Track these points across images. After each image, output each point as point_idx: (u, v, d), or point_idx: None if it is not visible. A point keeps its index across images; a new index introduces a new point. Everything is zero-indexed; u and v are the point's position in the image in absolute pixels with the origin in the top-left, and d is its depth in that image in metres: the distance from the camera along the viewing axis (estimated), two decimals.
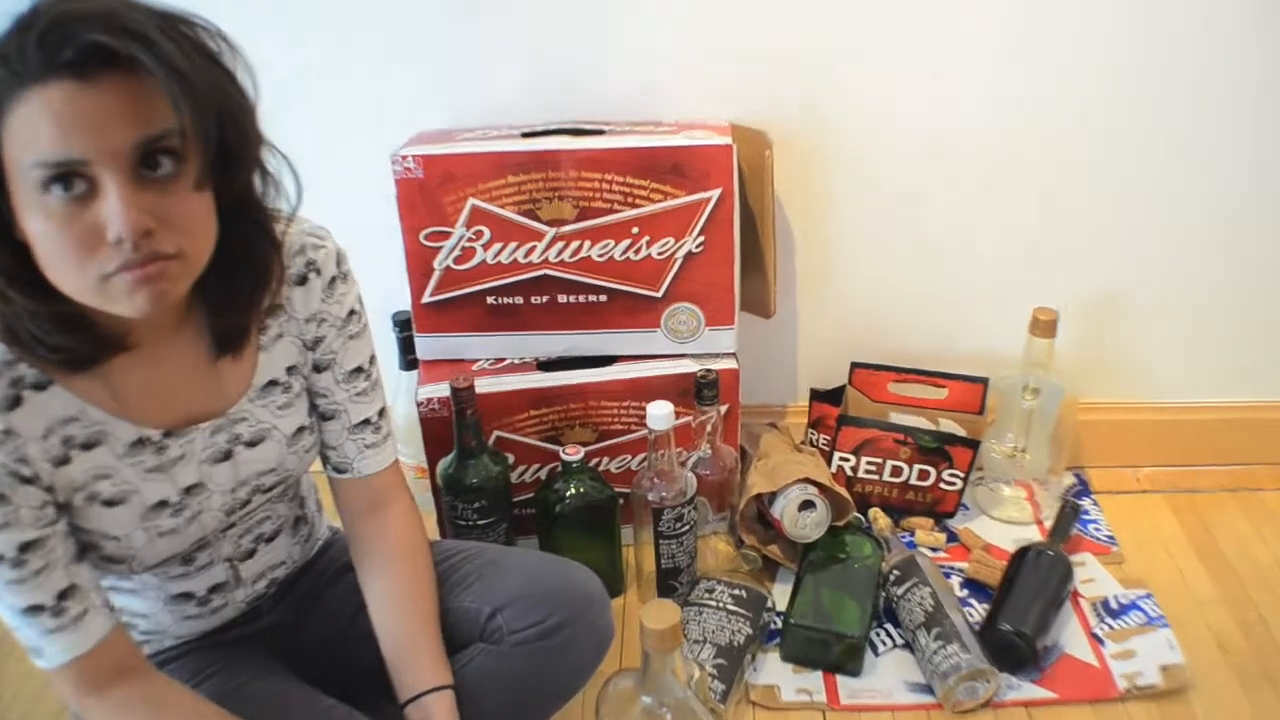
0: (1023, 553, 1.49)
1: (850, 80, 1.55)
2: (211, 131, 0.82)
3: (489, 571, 1.18)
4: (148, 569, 1.03)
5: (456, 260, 1.44)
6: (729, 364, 1.50)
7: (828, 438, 1.71)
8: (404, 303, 1.51)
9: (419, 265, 1.45)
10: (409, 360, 1.60)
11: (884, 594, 1.50)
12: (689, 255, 1.45)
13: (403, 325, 1.57)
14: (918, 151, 1.61)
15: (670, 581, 1.48)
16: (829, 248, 1.70)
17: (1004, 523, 1.68)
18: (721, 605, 1.42)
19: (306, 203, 0.98)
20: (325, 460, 1.15)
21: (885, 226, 1.68)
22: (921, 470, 1.64)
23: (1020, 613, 1.39)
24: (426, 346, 1.51)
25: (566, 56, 1.51)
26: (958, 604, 1.43)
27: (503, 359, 1.53)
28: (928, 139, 1.60)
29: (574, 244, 1.43)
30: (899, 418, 1.69)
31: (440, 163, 1.39)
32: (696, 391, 1.44)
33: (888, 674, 1.40)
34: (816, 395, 1.75)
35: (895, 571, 1.48)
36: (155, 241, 0.83)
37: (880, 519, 1.63)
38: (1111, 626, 1.46)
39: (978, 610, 1.49)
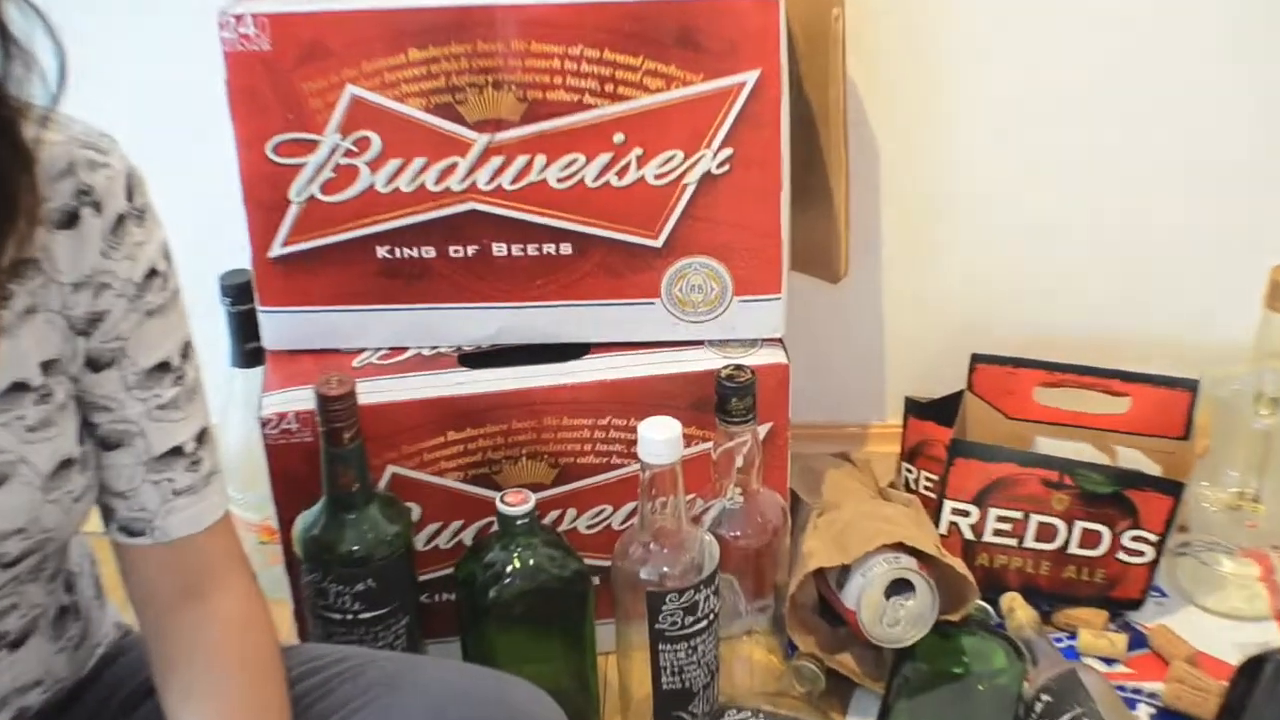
0: (1255, 667, 1.48)
1: None
2: None
3: (379, 696, 1.18)
4: None
5: (327, 187, 1.44)
6: (773, 357, 1.51)
7: (934, 476, 1.71)
8: (239, 258, 1.51)
9: (265, 196, 1.44)
10: (247, 351, 1.60)
11: None
12: (707, 179, 1.45)
13: (237, 294, 1.57)
14: (1081, 21, 1.61)
15: (677, 712, 1.48)
16: (937, 172, 1.70)
17: (1223, 617, 1.68)
18: None
19: (76, 94, 0.97)
20: (109, 515, 1.15)
21: (1029, 139, 1.68)
22: (1088, 531, 1.64)
23: None
24: (277, 329, 1.52)
25: None
26: None
27: (402, 349, 1.53)
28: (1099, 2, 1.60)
29: (519, 161, 1.43)
30: (1050, 445, 1.69)
31: (300, 26, 1.38)
32: (720, 402, 1.44)
33: None
34: (915, 409, 1.75)
35: (1045, 698, 1.48)
36: None
37: (1020, 611, 1.63)
38: None
39: None
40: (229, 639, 1.15)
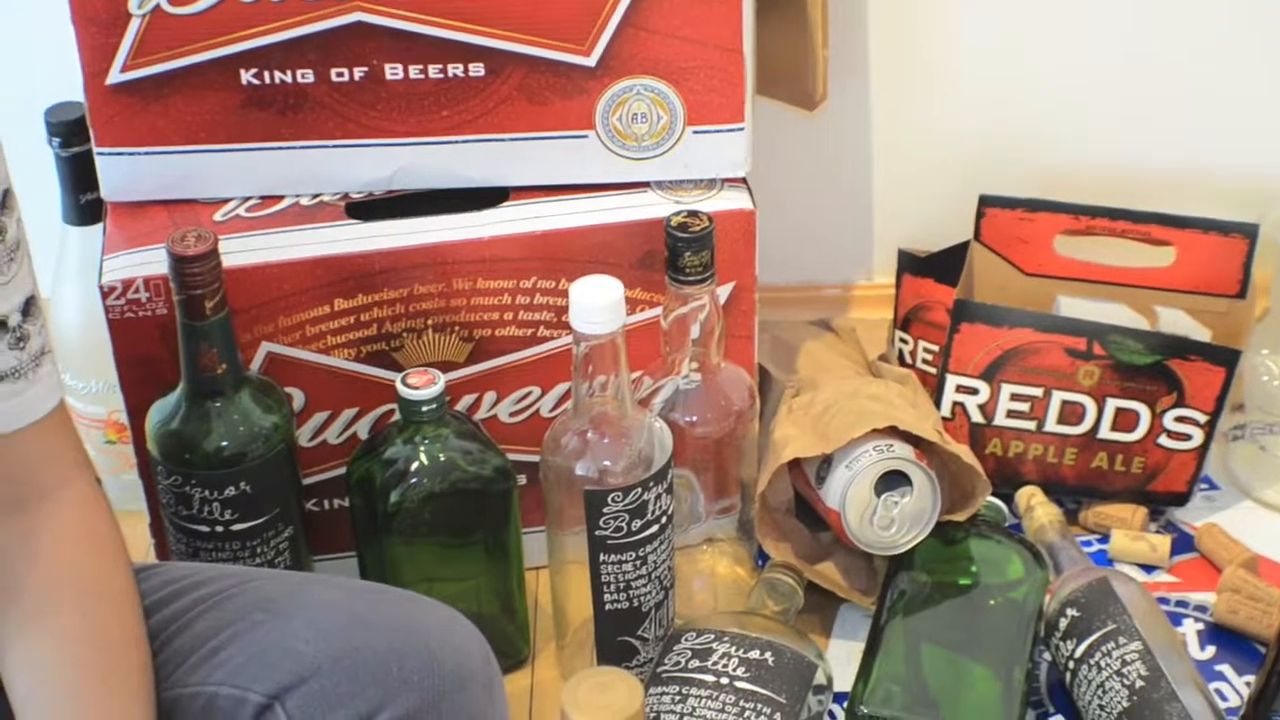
0: None
1: None
2: None
3: (258, 623, 1.19)
4: None
5: None
6: (736, 202, 1.51)
7: (934, 347, 1.72)
8: (68, 88, 1.50)
9: (98, 8, 1.43)
10: (83, 205, 1.59)
11: (1048, 656, 1.51)
12: None
13: (67, 133, 1.56)
14: None
15: (623, 637, 1.50)
16: None
17: None
18: (727, 681, 1.42)
19: None
20: None
21: None
22: (1123, 411, 1.64)
23: None
24: (119, 175, 1.51)
25: None
26: (1196, 674, 1.44)
27: (276, 198, 1.53)
28: None
29: None
30: (1075, 306, 1.69)
31: None
32: (671, 258, 1.44)
33: None
34: (910, 264, 1.75)
35: (1070, 613, 1.49)
36: None
37: (1040, 509, 1.64)
38: None
39: (1235, 686, 1.51)
40: (66, 560, 1.16)
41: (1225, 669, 1.53)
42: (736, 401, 1.51)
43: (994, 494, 1.58)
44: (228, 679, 1.16)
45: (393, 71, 1.46)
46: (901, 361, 1.76)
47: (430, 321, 1.50)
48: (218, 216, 1.50)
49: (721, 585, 1.60)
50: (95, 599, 1.15)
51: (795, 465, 1.57)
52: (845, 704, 1.45)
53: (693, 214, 1.44)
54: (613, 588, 1.46)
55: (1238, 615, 1.55)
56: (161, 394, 1.44)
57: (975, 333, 1.63)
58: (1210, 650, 1.55)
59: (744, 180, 1.53)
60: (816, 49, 1.57)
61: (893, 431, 1.52)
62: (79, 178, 1.57)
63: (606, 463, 1.42)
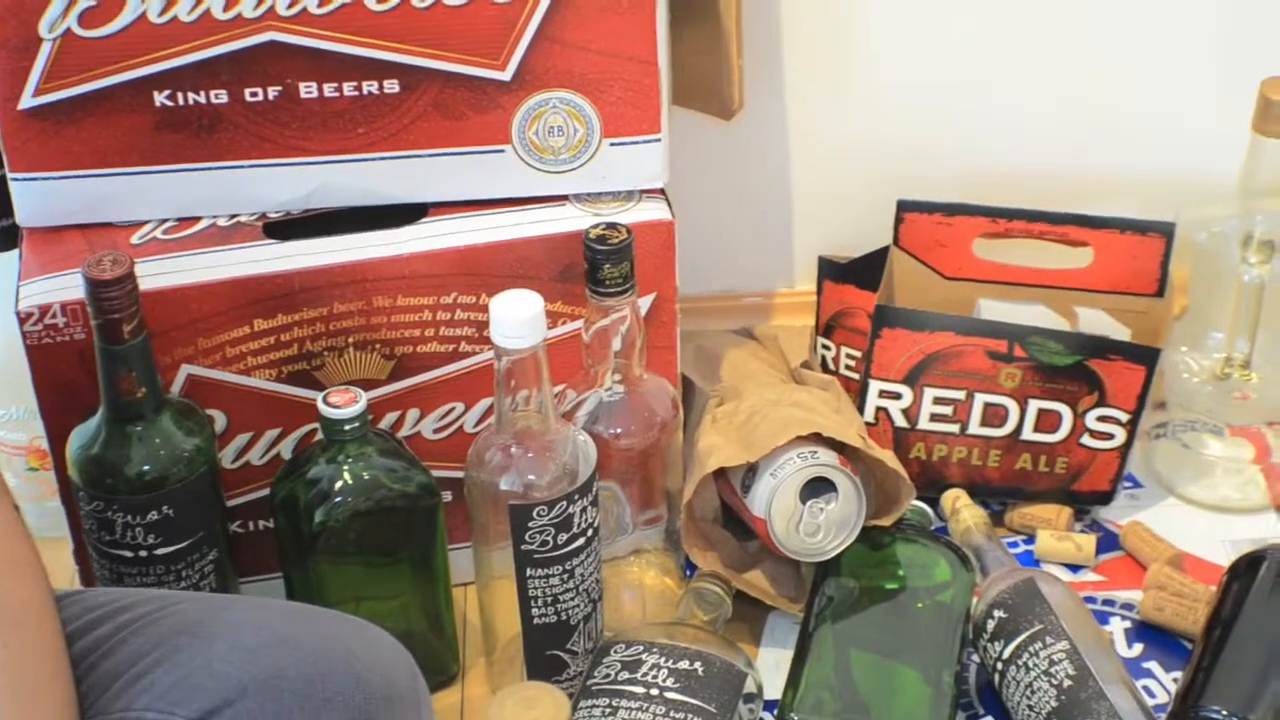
0: (1250, 566, 1.51)
1: None
2: None
3: (182, 646, 1.18)
4: None
5: (87, 18, 1.42)
6: (654, 213, 1.51)
7: (856, 352, 1.72)
8: None
9: (9, 32, 1.42)
10: (0, 230, 1.58)
11: (977, 658, 1.52)
12: None
13: None
14: None
15: (552, 651, 1.49)
16: None
17: (1211, 510, 1.71)
18: (657, 692, 1.42)
19: None
20: None
21: None
22: (1045, 412, 1.65)
23: (1243, 683, 1.42)
24: (34, 200, 1.50)
25: None
26: (1123, 672, 1.45)
27: (193, 219, 1.52)
28: None
29: None
30: (995, 309, 1.70)
31: None
32: (590, 270, 1.44)
33: None
34: (831, 271, 1.75)
35: (998, 614, 1.49)
36: None
37: (966, 511, 1.65)
38: None
39: (1162, 682, 1.52)
40: None
41: (1153, 666, 1.54)
42: (660, 412, 1.51)
43: (919, 498, 1.59)
44: (152, 704, 1.15)
45: (307, 90, 1.46)
46: (824, 368, 1.76)
47: (351, 340, 1.50)
48: (134, 239, 1.50)
49: (650, 596, 1.60)
50: (16, 629, 1.14)
51: (721, 474, 1.57)
52: (775, 712, 1.46)
53: (611, 226, 1.44)
54: (540, 602, 1.46)
55: (1164, 612, 1.56)
56: (82, 419, 1.43)
57: (897, 337, 1.64)
58: (1138, 648, 1.56)
59: (662, 191, 1.53)
60: (731, 58, 1.58)
61: (817, 438, 1.52)
62: None
63: (531, 477, 1.41)
